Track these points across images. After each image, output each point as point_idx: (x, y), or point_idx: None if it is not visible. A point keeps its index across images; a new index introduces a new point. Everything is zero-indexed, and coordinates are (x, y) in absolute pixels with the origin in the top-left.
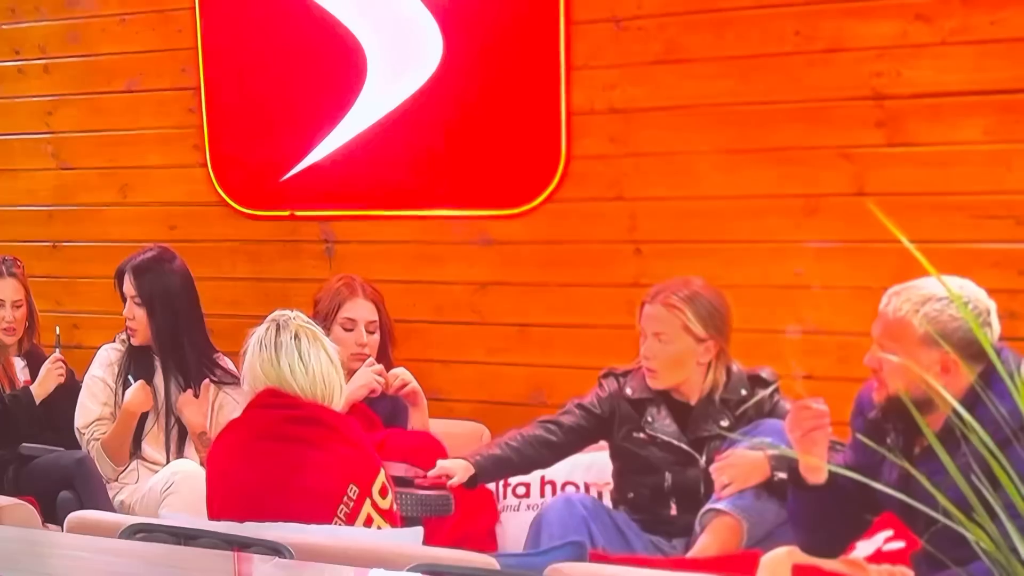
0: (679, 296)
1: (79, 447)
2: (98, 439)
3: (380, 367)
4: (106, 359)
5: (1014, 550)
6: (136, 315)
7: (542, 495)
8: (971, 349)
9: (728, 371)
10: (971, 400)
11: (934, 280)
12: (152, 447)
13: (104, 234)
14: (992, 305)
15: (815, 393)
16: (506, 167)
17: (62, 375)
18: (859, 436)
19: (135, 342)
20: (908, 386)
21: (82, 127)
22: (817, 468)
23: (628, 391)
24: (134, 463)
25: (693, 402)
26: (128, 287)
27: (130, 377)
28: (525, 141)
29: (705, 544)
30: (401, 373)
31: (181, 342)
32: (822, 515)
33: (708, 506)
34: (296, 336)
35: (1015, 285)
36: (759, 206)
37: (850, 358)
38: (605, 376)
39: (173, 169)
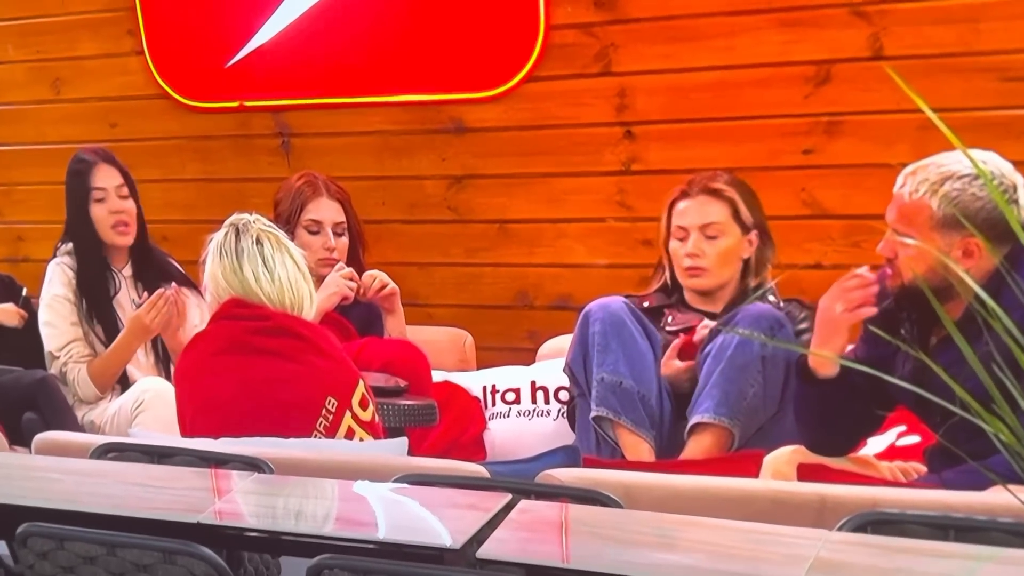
0: (723, 182)
1: (39, 367)
2: (80, 363)
3: (351, 271)
4: (62, 275)
5: None
6: (125, 208)
7: (533, 401)
8: (996, 230)
9: (763, 279)
10: (995, 285)
11: (954, 156)
12: (131, 366)
13: (40, 135)
14: (1020, 180)
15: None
16: (478, 43)
17: (21, 322)
18: (872, 327)
19: (128, 241)
20: (926, 272)
21: (3, 15)
22: (829, 357)
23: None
24: None
25: (718, 311)
26: (110, 177)
27: (133, 302)
28: (498, 10)
29: (691, 454)
30: (377, 274)
31: (149, 242)
32: (830, 412)
33: (694, 419)
34: (258, 241)
35: None
36: (764, 75)
37: (863, 244)
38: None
39: (108, 59)
